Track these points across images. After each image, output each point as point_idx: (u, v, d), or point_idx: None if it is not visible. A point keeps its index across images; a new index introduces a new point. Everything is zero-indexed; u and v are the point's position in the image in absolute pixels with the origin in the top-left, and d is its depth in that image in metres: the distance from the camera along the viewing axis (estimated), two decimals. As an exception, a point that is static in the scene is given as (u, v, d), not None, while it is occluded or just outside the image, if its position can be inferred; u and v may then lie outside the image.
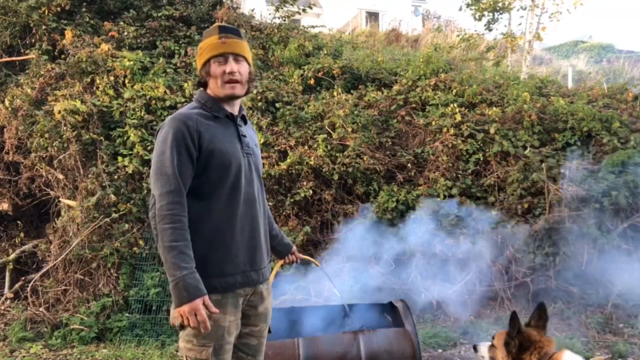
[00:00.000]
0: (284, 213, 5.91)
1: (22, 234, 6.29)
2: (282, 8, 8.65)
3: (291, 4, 8.66)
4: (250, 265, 2.17)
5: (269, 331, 2.37)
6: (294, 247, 2.75)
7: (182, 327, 2.06)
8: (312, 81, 7.50)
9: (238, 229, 2.12)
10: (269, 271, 2.33)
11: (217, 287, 2.06)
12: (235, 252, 2.12)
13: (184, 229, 1.95)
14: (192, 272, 1.92)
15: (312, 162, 5.99)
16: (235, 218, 2.12)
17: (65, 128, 5.95)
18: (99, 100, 6.25)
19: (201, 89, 2.22)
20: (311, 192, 5.95)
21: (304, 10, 8.73)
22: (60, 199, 6.03)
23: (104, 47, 6.78)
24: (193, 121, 2.05)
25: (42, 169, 6.15)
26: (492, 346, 2.60)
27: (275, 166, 6.03)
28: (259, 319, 2.27)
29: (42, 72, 6.67)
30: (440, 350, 4.68)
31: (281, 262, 2.76)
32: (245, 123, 2.32)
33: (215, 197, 2.08)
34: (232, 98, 2.17)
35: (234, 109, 2.22)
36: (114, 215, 5.53)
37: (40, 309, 5.28)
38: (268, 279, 2.31)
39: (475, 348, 2.77)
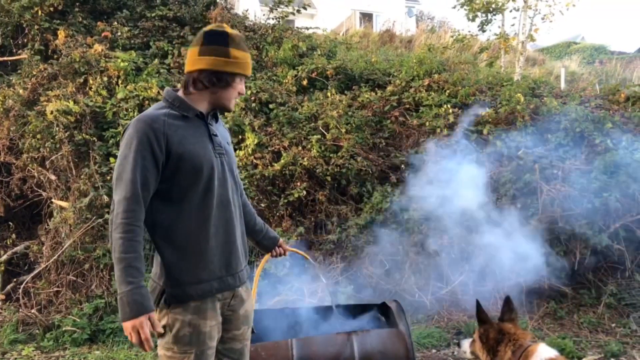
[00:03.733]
0: (277, 214, 5.90)
1: (13, 236, 6.24)
2: (276, 9, 8.65)
3: (285, 5, 8.65)
4: (226, 270, 2.11)
5: (253, 332, 2.34)
6: (281, 240, 2.69)
7: (161, 334, 2.03)
8: (305, 82, 7.50)
9: (212, 233, 2.05)
10: (247, 273, 2.28)
11: (193, 295, 2.01)
12: (210, 257, 2.05)
13: (135, 240, 1.87)
14: (137, 287, 1.84)
15: (305, 163, 5.98)
16: (209, 222, 2.04)
17: (57, 128, 5.92)
18: (91, 101, 6.22)
19: (168, 88, 2.14)
20: (305, 192, 5.94)
21: (298, 11, 8.73)
22: (53, 200, 6.00)
23: (97, 47, 6.75)
24: (160, 123, 1.95)
25: (34, 169, 6.12)
26: (473, 341, 2.72)
27: (269, 167, 6.02)
28: (240, 322, 2.22)
29: (34, 72, 6.64)
30: (434, 351, 4.69)
31: (268, 256, 2.70)
32: (217, 121, 2.25)
33: (187, 201, 2.00)
34: (227, 111, 2.23)
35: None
36: (107, 216, 5.49)
37: (32, 311, 5.24)
38: (246, 282, 2.26)
39: (458, 344, 2.89)
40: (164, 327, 2.02)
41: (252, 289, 2.49)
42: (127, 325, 1.84)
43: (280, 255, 2.70)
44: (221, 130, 2.26)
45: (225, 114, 5.63)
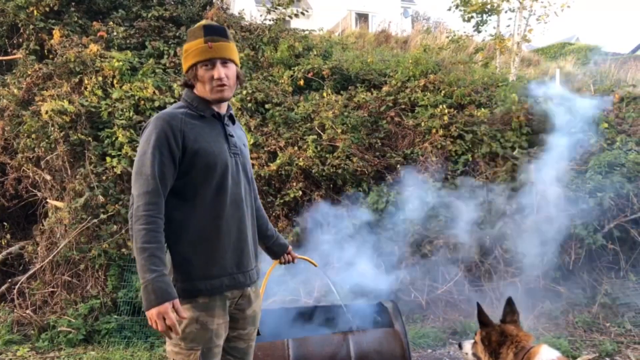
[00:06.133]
0: (273, 214, 5.90)
1: (8, 236, 6.20)
2: (274, 11, 8.64)
3: (284, 8, 8.63)
4: (237, 268, 2.13)
5: (258, 333, 2.34)
6: (290, 247, 2.71)
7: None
8: (301, 82, 7.50)
9: (224, 231, 2.08)
10: (257, 273, 2.30)
11: (203, 289, 2.03)
12: (222, 254, 2.08)
13: (157, 231, 1.91)
14: (161, 275, 1.86)
15: (301, 163, 5.99)
16: (221, 219, 2.07)
17: (52, 128, 5.89)
18: (87, 101, 6.20)
19: (187, 88, 2.18)
20: (301, 192, 5.95)
21: (296, 15, 8.73)
22: (48, 200, 5.97)
23: (93, 47, 6.72)
24: (177, 121, 2.02)
25: (29, 169, 6.09)
26: (474, 343, 2.71)
27: (265, 167, 6.02)
28: (247, 322, 2.24)
29: (29, 72, 6.61)
30: (429, 350, 4.70)
31: (276, 262, 2.72)
32: (234, 123, 2.29)
33: (200, 197, 2.04)
34: (221, 101, 2.15)
35: (221, 108, 2.19)
36: (102, 216, 5.48)
37: (27, 312, 5.22)
38: (256, 281, 2.27)
39: (460, 346, 2.87)
40: None
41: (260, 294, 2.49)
42: (153, 313, 1.84)
43: (288, 262, 2.71)
44: (238, 132, 2.31)
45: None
